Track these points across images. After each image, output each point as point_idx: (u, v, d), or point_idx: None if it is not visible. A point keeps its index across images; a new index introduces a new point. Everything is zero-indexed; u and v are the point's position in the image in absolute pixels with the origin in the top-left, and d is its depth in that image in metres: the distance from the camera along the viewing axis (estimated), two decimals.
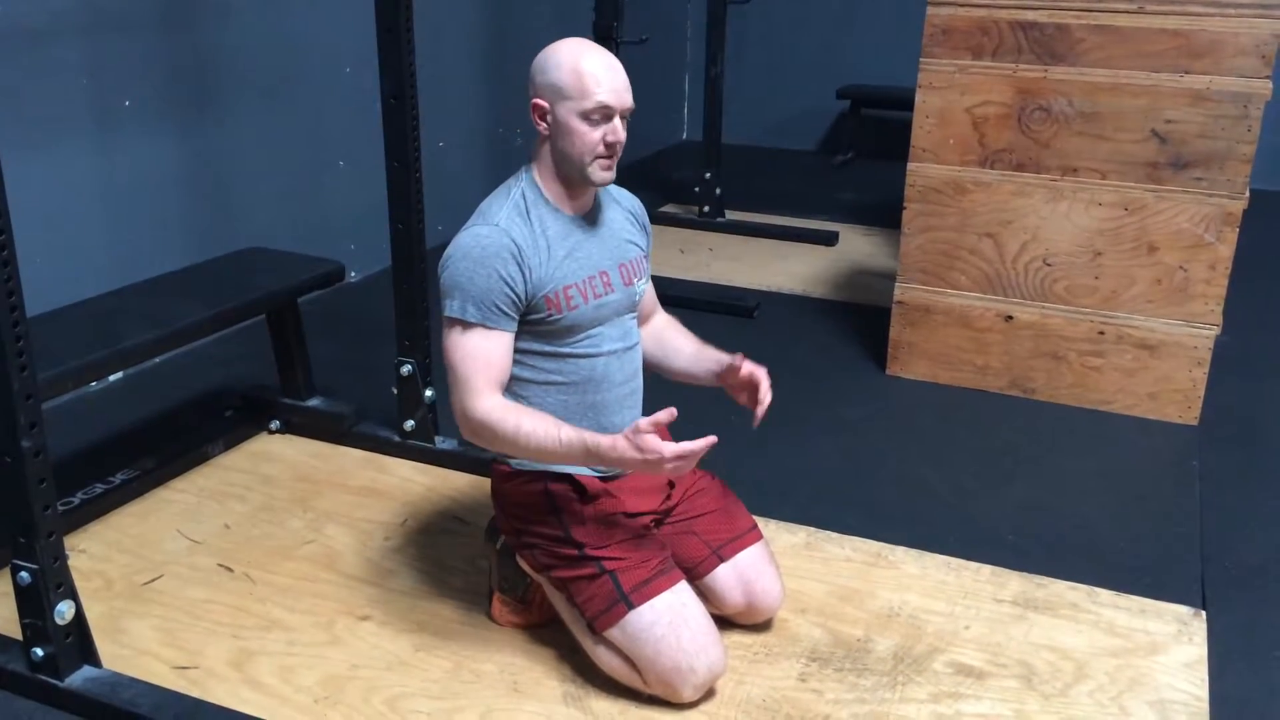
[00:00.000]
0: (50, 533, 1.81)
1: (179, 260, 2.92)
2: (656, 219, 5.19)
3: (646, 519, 2.01)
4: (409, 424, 2.75)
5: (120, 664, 1.96)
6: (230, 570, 2.29)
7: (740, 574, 2.06)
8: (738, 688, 1.97)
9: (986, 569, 2.37)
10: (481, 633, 2.11)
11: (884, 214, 5.05)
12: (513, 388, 1.93)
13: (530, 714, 1.90)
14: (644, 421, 1.73)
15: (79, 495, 2.44)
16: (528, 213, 1.89)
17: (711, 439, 1.74)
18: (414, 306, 2.66)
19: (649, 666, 1.86)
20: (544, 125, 1.87)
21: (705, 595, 2.03)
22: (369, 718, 1.88)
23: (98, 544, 2.37)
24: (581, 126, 1.83)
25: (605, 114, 1.83)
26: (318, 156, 3.93)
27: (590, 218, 1.98)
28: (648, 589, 1.86)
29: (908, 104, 3.28)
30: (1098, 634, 2.16)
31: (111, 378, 3.17)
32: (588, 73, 1.81)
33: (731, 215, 5.12)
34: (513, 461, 1.97)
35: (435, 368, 2.76)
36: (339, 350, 3.40)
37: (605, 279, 1.95)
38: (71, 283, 2.80)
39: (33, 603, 1.82)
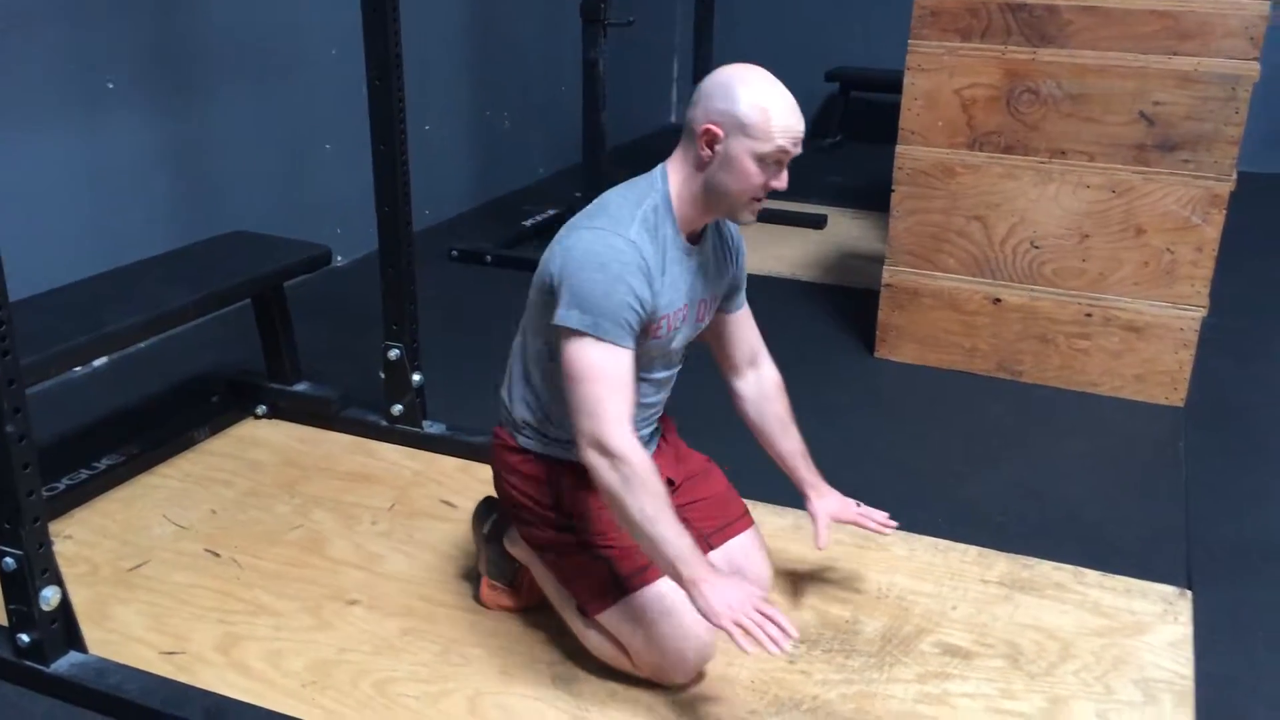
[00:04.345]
0: (35, 518, 1.80)
1: (163, 244, 2.89)
2: None
3: None
4: (397, 408, 2.74)
5: (106, 649, 1.95)
6: (217, 555, 2.28)
7: (729, 560, 2.06)
8: (727, 669, 1.97)
9: (973, 550, 2.38)
10: (470, 616, 2.11)
11: (872, 197, 5.04)
12: (534, 380, 1.88)
13: (519, 697, 1.90)
14: (776, 614, 1.67)
15: (64, 481, 2.43)
16: (655, 228, 1.77)
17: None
18: (401, 290, 2.65)
19: (640, 651, 1.86)
20: (708, 153, 1.75)
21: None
22: (357, 701, 1.87)
23: (83, 530, 2.36)
24: (751, 167, 1.73)
25: (779, 160, 1.75)
26: (304, 140, 3.90)
27: (699, 245, 1.88)
28: (642, 576, 1.85)
29: (896, 86, 3.28)
30: (1084, 614, 2.17)
31: (96, 363, 3.15)
32: (776, 115, 1.72)
33: None
34: (520, 437, 1.94)
35: (423, 351, 2.75)
36: (326, 335, 3.39)
37: (686, 311, 1.87)
38: (55, 267, 2.77)
39: (18, 588, 1.81)
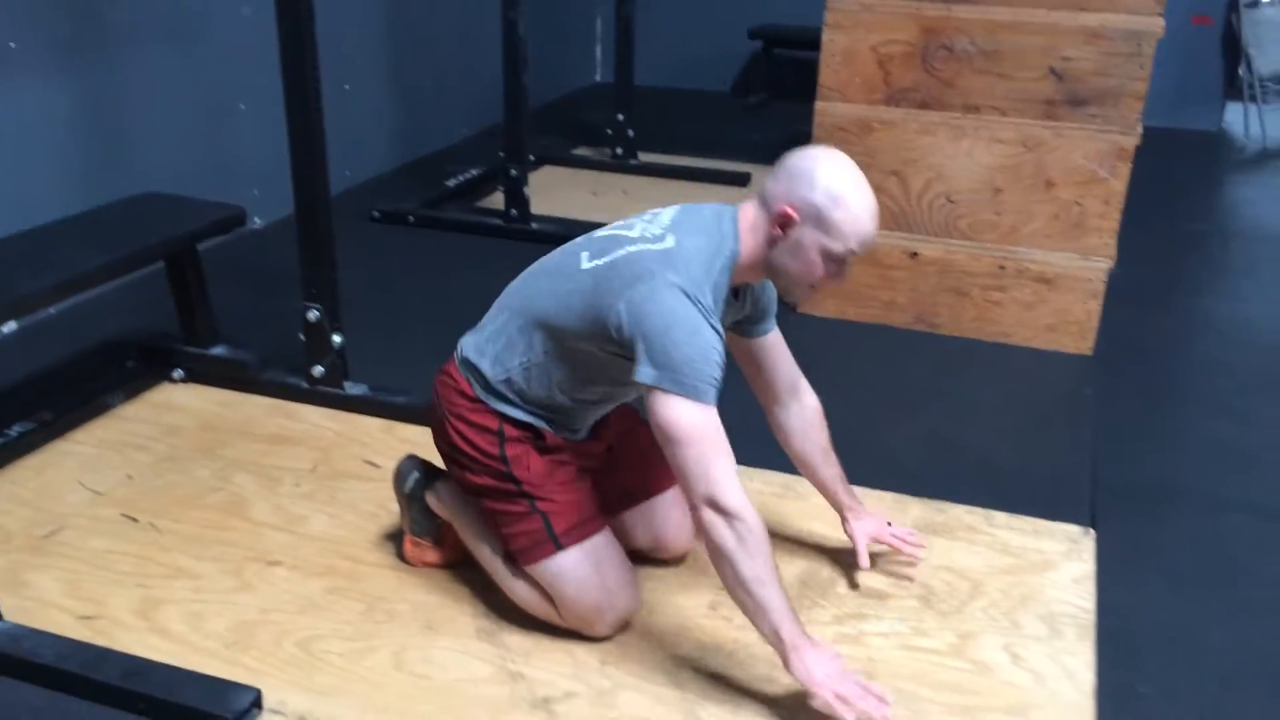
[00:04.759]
0: None
1: (72, 207, 2.81)
2: (569, 162, 5.16)
3: (583, 465, 2.01)
4: (318, 370, 2.71)
5: (22, 616, 1.92)
6: (134, 520, 2.25)
7: (648, 517, 2.10)
8: (650, 617, 2.01)
9: (889, 496, 2.44)
10: (395, 574, 2.12)
11: None
12: (523, 355, 1.85)
13: (444, 650, 1.92)
14: (871, 685, 1.70)
15: None
16: (719, 285, 1.75)
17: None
18: (319, 250, 2.62)
19: (569, 604, 1.89)
20: (779, 233, 1.75)
21: (615, 532, 2.06)
22: (281, 660, 1.88)
23: None
24: (818, 260, 1.74)
25: (846, 259, 1.75)
26: (217, 100, 3.81)
27: (736, 293, 1.89)
28: (577, 533, 1.88)
29: (818, 43, 3.29)
30: (993, 554, 2.25)
31: (5, 328, 3.07)
32: (855, 220, 1.71)
33: (644, 157, 5.11)
34: (476, 387, 1.90)
35: (346, 313, 2.73)
36: (245, 299, 3.34)
37: None
38: None
39: None
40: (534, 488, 1.89)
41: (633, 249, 1.75)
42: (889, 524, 2.16)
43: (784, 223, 1.74)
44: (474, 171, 4.67)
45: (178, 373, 2.83)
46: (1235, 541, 2.36)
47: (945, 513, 2.39)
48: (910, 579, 2.15)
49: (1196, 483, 2.59)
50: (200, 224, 2.67)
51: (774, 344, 2.03)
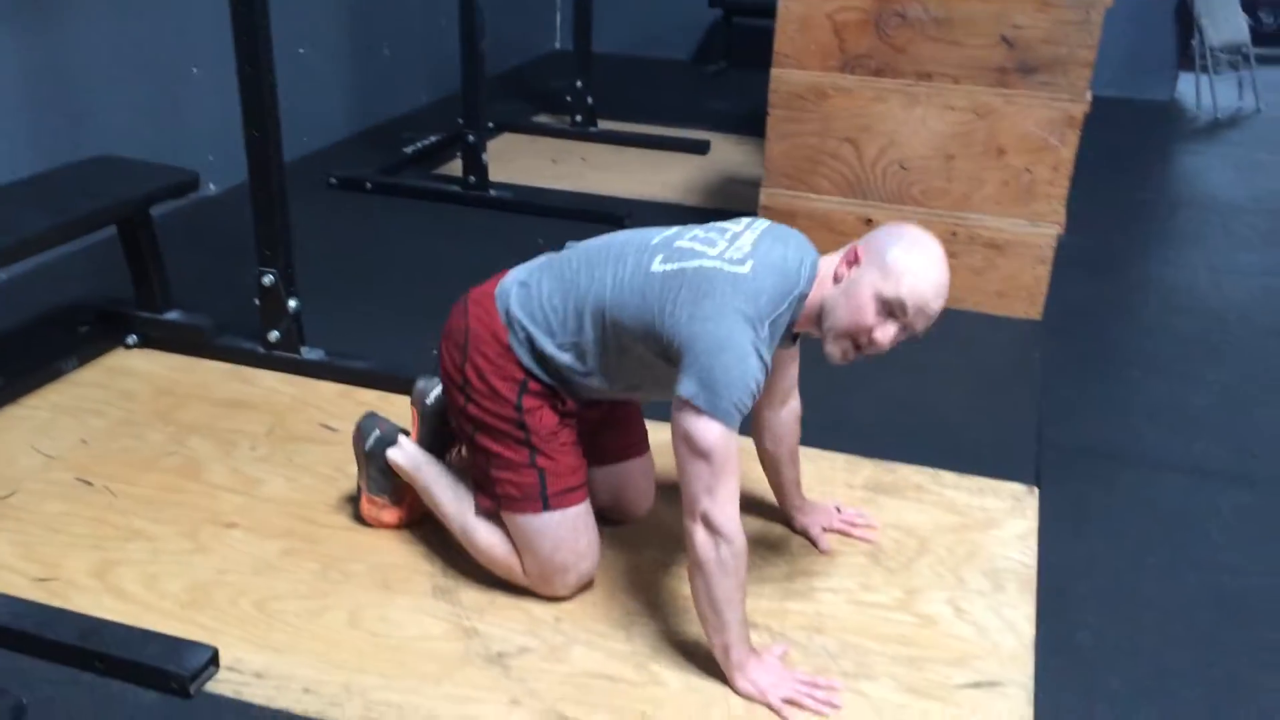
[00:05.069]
0: None
1: (19, 172, 2.78)
2: (528, 129, 5.16)
3: (581, 428, 2.02)
4: (273, 335, 2.71)
5: None
6: (89, 484, 2.25)
7: (614, 479, 2.14)
8: (604, 575, 2.05)
9: (841, 458, 2.49)
10: (351, 535, 2.14)
11: (756, 123, 5.04)
12: (570, 339, 1.86)
13: (400, 609, 1.94)
14: (815, 679, 1.79)
15: None
16: (780, 323, 1.76)
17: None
18: (273, 214, 2.61)
19: (540, 561, 1.92)
20: (844, 271, 1.77)
21: None
22: (237, 619, 1.89)
23: None
24: (869, 302, 1.72)
25: (895, 316, 1.73)
26: (169, 63, 3.76)
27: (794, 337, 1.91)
28: (566, 498, 1.91)
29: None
30: (939, 512, 2.31)
31: None
32: (916, 275, 1.71)
33: (604, 125, 5.11)
34: (515, 343, 1.89)
35: (303, 279, 2.73)
36: (200, 265, 3.32)
37: None
38: None
39: None
40: (541, 441, 1.90)
41: (708, 264, 1.75)
42: (837, 509, 2.23)
43: (850, 261, 1.77)
44: (432, 138, 4.64)
45: (132, 338, 2.81)
46: (1174, 499, 2.43)
47: (895, 473, 2.45)
48: (867, 540, 2.21)
49: (1138, 443, 2.66)
50: (153, 186, 2.65)
51: (792, 357, 2.06)
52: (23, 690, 1.70)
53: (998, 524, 2.28)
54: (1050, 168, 3.15)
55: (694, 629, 1.91)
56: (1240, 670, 1.92)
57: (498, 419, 1.90)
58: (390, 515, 2.15)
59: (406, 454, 2.08)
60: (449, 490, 2.03)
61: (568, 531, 1.92)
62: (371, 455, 2.11)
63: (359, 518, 2.17)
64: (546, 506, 1.90)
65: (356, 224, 3.85)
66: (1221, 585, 2.14)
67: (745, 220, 1.90)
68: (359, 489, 2.16)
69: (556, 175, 4.50)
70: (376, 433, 2.12)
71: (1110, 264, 3.84)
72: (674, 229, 1.90)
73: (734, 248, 1.79)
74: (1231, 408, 2.85)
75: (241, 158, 2.59)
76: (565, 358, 1.88)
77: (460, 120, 4.05)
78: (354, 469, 2.26)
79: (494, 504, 1.94)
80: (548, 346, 1.87)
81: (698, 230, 1.87)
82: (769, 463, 2.16)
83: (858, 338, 1.75)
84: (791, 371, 2.08)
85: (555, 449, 1.91)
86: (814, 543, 2.17)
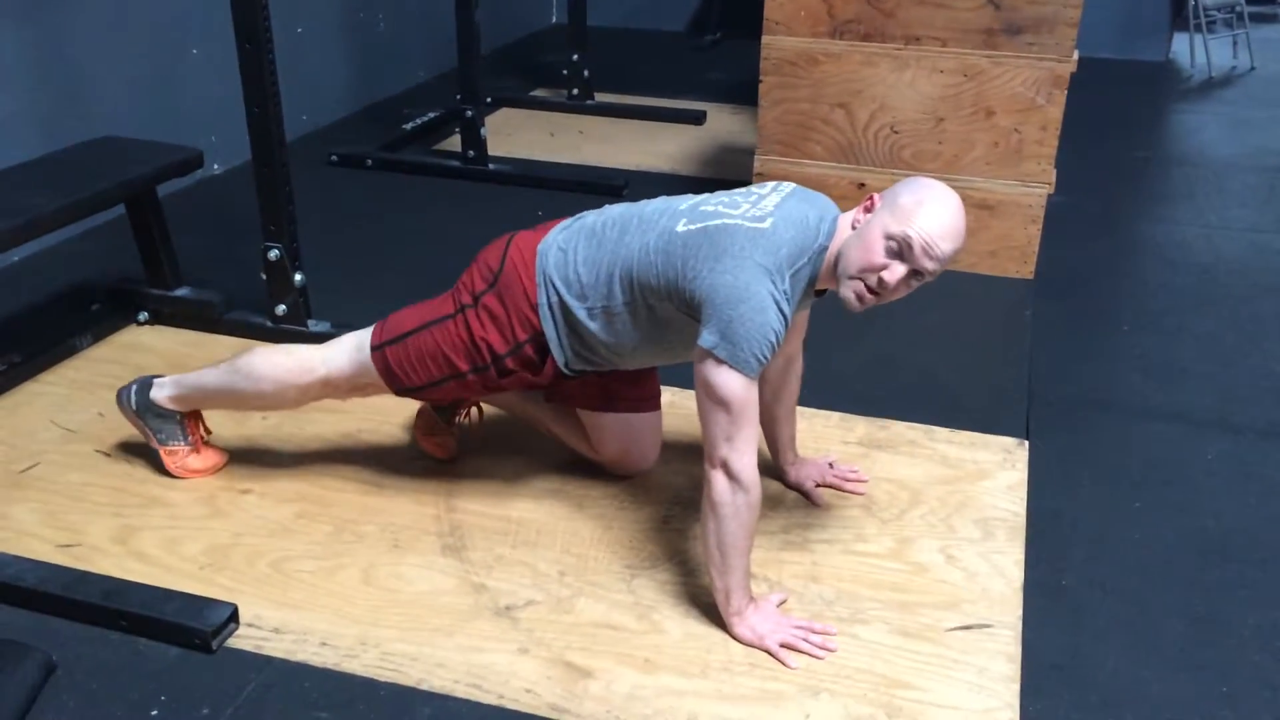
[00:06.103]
0: None
1: (23, 154, 2.84)
2: (526, 104, 5.20)
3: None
4: (281, 309, 2.78)
5: (2, 546, 2.00)
6: (108, 455, 2.33)
7: (620, 429, 2.20)
8: (605, 532, 2.12)
9: (836, 415, 2.56)
10: (363, 499, 2.21)
11: (750, 92, 5.06)
12: (600, 304, 1.91)
13: (411, 565, 2.02)
14: (809, 623, 1.87)
15: None
16: (801, 276, 1.80)
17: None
18: (276, 189, 2.66)
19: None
20: (859, 218, 1.81)
21: (586, 436, 2.21)
22: (255, 579, 1.97)
23: None
24: (878, 242, 1.73)
25: (903, 255, 1.73)
26: (170, 44, 3.81)
27: (822, 296, 1.93)
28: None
29: None
30: (932, 465, 2.38)
31: None
32: (926, 215, 1.72)
33: (601, 98, 5.15)
34: (545, 303, 1.94)
35: (308, 254, 2.79)
36: (207, 243, 3.38)
37: None
38: None
39: None
40: (489, 379, 2.00)
41: (730, 222, 1.81)
42: (830, 465, 2.29)
43: (867, 208, 1.81)
44: (431, 114, 4.69)
45: (143, 315, 2.88)
46: (1161, 447, 2.50)
47: (889, 429, 2.51)
48: (858, 493, 2.27)
49: (1127, 395, 2.73)
50: (159, 165, 2.71)
51: (804, 319, 2.13)
52: (53, 648, 1.78)
53: (988, 475, 2.35)
54: (1039, 128, 3.20)
55: (693, 581, 1.99)
56: (1220, 606, 1.99)
57: (477, 343, 1.97)
58: (197, 460, 2.23)
59: (163, 383, 2.18)
60: (211, 368, 2.14)
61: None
62: (140, 409, 2.19)
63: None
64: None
65: (359, 200, 3.91)
66: (1205, 529, 2.21)
67: (772, 184, 1.95)
68: (154, 451, 2.22)
69: (554, 148, 4.55)
70: (133, 387, 2.20)
71: (1103, 223, 3.89)
72: (702, 195, 1.96)
73: (757, 208, 1.84)
74: (1218, 359, 2.91)
75: (243, 138, 2.64)
76: (594, 325, 1.93)
77: (458, 96, 4.10)
78: (364, 434, 2.34)
79: (383, 334, 2.05)
80: (579, 312, 1.93)
81: (724, 195, 1.92)
82: (766, 419, 2.21)
83: (867, 279, 1.76)
84: (801, 330, 2.15)
85: (488, 382, 2.00)
86: (808, 497, 2.24)
